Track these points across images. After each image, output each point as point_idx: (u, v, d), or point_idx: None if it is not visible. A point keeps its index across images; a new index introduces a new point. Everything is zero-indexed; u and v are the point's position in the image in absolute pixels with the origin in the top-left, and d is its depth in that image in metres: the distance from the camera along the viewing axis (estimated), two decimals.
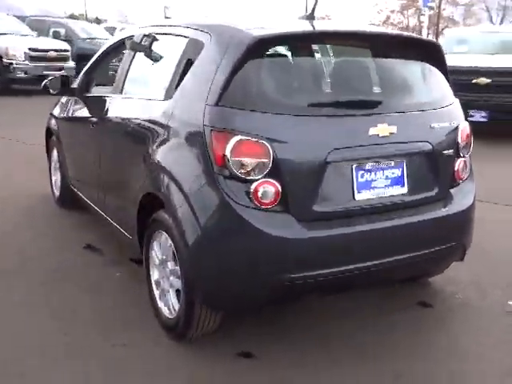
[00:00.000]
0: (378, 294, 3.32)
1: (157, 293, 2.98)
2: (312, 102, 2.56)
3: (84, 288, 3.42)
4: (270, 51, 2.59)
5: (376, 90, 2.81)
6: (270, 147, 2.42)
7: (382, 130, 2.63)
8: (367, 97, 2.71)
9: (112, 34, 16.71)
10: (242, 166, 2.42)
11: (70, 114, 4.40)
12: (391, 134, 2.65)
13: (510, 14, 58.62)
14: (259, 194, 2.43)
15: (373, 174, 2.67)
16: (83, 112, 4.12)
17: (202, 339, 2.81)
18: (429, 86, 2.98)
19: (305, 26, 2.76)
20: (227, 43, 2.58)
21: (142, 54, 3.31)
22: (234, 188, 2.44)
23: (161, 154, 2.77)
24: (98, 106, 3.81)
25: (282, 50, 2.66)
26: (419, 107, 2.82)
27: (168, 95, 2.89)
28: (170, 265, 2.80)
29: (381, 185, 2.69)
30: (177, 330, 2.75)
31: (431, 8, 28.16)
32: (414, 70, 2.94)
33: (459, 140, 2.94)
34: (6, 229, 4.41)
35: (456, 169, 2.96)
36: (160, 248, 2.90)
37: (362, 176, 2.64)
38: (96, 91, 4.39)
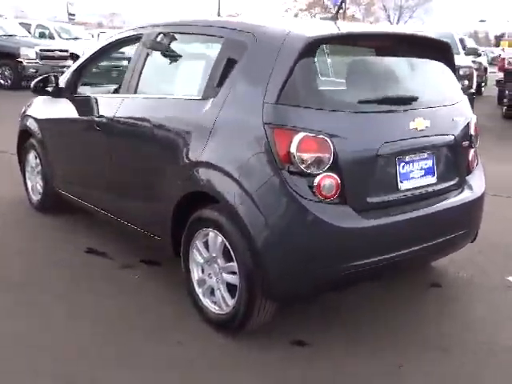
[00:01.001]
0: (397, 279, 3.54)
1: (199, 291, 3.01)
2: (362, 99, 2.71)
3: (108, 294, 3.33)
4: (322, 51, 2.70)
5: (411, 86, 3.01)
6: (330, 142, 2.55)
7: (419, 123, 2.84)
8: (406, 93, 2.90)
9: (29, 31, 15.96)
10: (307, 161, 2.53)
11: (59, 115, 4.24)
12: (426, 127, 2.87)
13: (405, 13, 61.98)
14: (322, 188, 2.55)
15: (411, 165, 2.87)
16: (80, 113, 4.00)
17: (252, 331, 2.88)
18: (446, 82, 3.22)
19: (349, 27, 2.90)
20: (279, 44, 2.66)
21: (163, 52, 3.30)
22: (299, 183, 2.54)
23: (210, 153, 2.80)
24: (103, 106, 3.74)
25: (332, 49, 2.77)
26: (443, 102, 3.07)
27: (207, 94, 2.92)
28: (221, 262, 2.84)
29: (417, 175, 2.90)
30: (233, 323, 2.80)
31: (340, 7, 29.22)
32: (434, 68, 3.17)
33: (472, 132, 3.21)
34: None
35: (470, 159, 3.24)
36: (205, 246, 2.93)
37: (403, 167, 2.83)
38: (86, 91, 4.29)
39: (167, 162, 3.09)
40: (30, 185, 4.88)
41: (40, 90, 4.23)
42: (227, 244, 2.76)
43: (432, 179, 2.98)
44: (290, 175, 2.54)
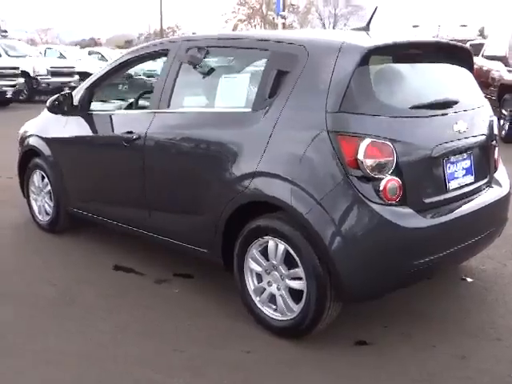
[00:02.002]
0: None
1: (257, 300, 3.05)
2: (415, 105, 2.85)
3: (154, 309, 3.33)
4: (376, 60, 2.82)
5: (449, 90, 3.18)
6: (392, 147, 2.67)
7: (461, 126, 3.01)
8: (448, 97, 3.06)
9: None
10: (373, 166, 2.64)
11: (74, 133, 4.17)
12: (466, 129, 3.04)
13: (340, 21, 63.69)
14: (387, 191, 2.66)
15: (455, 165, 3.04)
16: (100, 130, 3.97)
17: (315, 334, 2.95)
18: (471, 86, 3.41)
19: (395, 37, 3.03)
20: (335, 55, 2.76)
21: (200, 66, 3.32)
22: (366, 187, 2.65)
23: (270, 162, 2.86)
24: (129, 122, 3.72)
25: (382, 58, 2.90)
26: (474, 105, 3.26)
27: (258, 106, 2.98)
28: (283, 269, 2.90)
29: (460, 175, 3.07)
30: (299, 328, 2.86)
31: (283, 17, 29.84)
32: (462, 73, 3.35)
33: (496, 131, 3.42)
34: (19, 267, 4.05)
35: (496, 157, 3.45)
36: (263, 255, 2.98)
37: (449, 168, 2.99)
38: (101, 107, 4.25)
39: (216, 174, 3.12)
40: (35, 206, 4.76)
41: (56, 109, 4.15)
42: (291, 251, 2.83)
43: (471, 178, 3.16)
44: (357, 180, 2.64)
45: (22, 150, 4.79)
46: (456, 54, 3.36)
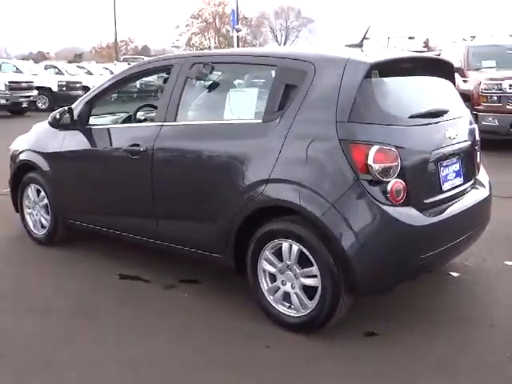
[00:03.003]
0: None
1: (271, 299, 3.25)
2: (413, 114, 3.14)
3: (169, 314, 3.47)
4: (380, 73, 3.09)
5: (439, 101, 3.49)
6: (397, 153, 2.94)
7: (451, 133, 3.32)
8: (440, 107, 3.37)
9: None
10: (381, 170, 2.90)
11: (74, 147, 4.27)
12: (455, 136, 3.36)
13: (292, 34, 64.79)
14: (394, 192, 2.93)
15: (447, 168, 3.34)
16: (102, 143, 4.09)
17: (327, 328, 3.17)
18: (454, 96, 3.74)
19: (396, 53, 3.32)
20: (341, 69, 3.02)
21: (206, 81, 3.52)
22: (375, 190, 2.91)
23: (283, 169, 3.07)
24: (135, 134, 3.86)
25: (386, 72, 3.17)
26: (459, 114, 3.58)
27: (269, 117, 3.20)
28: (297, 268, 3.11)
29: (451, 177, 3.38)
30: (314, 323, 3.08)
31: (238, 30, 30.38)
32: (446, 84, 3.67)
33: (477, 137, 3.76)
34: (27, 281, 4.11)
35: (478, 160, 3.77)
36: (276, 256, 3.18)
37: (443, 171, 3.29)
38: (98, 121, 4.38)
39: (229, 182, 3.31)
40: (30, 220, 4.81)
41: (58, 123, 4.26)
42: (305, 251, 3.04)
43: (460, 180, 3.47)
44: (367, 184, 2.90)
45: (14, 165, 4.85)
46: (441, 67, 3.68)
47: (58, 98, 19.04)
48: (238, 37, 41.14)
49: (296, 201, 3.02)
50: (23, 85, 16.59)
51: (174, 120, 3.66)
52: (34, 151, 4.62)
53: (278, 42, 62.22)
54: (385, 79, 3.16)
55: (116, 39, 35.98)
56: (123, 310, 3.53)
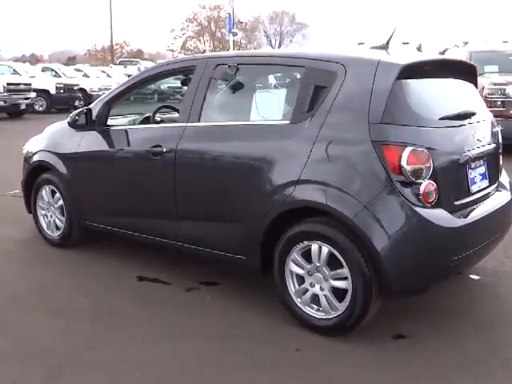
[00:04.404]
0: None
1: (299, 301, 3.23)
2: (443, 116, 3.14)
3: (197, 316, 3.44)
4: (409, 75, 3.08)
5: (467, 103, 3.50)
6: (429, 154, 2.94)
7: (479, 135, 3.33)
8: (468, 109, 3.37)
9: None
10: (414, 172, 2.89)
11: (93, 148, 4.23)
12: (483, 138, 3.36)
13: (286, 39, 64.96)
14: (426, 194, 2.92)
15: (475, 171, 3.34)
16: (123, 144, 4.06)
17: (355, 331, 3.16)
18: (479, 99, 3.75)
19: (423, 55, 3.31)
20: (373, 71, 3.01)
21: (231, 82, 3.50)
22: (408, 191, 2.90)
23: (314, 171, 3.06)
24: (158, 135, 3.84)
25: (416, 74, 3.16)
26: (486, 116, 3.58)
27: (297, 119, 3.19)
28: (326, 270, 3.09)
29: (478, 179, 3.37)
30: (345, 325, 3.06)
31: (234, 34, 30.47)
32: (471, 87, 3.68)
33: (500, 140, 3.77)
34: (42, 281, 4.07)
35: (501, 163, 3.78)
36: (304, 257, 3.16)
37: (471, 173, 3.29)
38: (115, 123, 4.35)
39: (256, 183, 3.28)
40: (43, 222, 4.77)
41: (78, 124, 4.23)
42: (336, 253, 3.03)
43: (486, 182, 3.47)
44: (400, 185, 2.89)
45: (28, 166, 4.80)
46: (465, 69, 3.68)
47: (56, 101, 19.01)
48: (233, 41, 41.42)
49: (327, 202, 3.01)
50: (21, 87, 16.48)
51: (198, 121, 3.64)
52: (50, 152, 4.58)
53: (272, 46, 62.39)
54: (415, 81, 3.15)
55: (112, 42, 35.91)
56: (148, 311, 3.50)
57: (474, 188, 3.30)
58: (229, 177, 3.45)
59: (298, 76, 3.32)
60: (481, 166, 3.42)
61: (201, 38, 47.35)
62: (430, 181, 2.94)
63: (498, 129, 3.78)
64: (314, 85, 3.19)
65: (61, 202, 4.58)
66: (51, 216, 4.70)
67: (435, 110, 3.18)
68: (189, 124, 3.67)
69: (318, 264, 3.13)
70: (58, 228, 4.67)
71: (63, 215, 4.59)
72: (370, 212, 2.90)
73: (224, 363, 2.91)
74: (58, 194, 4.59)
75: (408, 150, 2.89)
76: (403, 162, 2.88)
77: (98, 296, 3.74)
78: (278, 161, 3.22)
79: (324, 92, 3.15)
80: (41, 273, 4.18)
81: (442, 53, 15.62)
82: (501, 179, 3.77)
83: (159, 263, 4.27)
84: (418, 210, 2.89)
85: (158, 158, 3.75)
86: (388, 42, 3.59)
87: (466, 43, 19.67)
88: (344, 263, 3.01)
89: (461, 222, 3.06)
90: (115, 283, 3.97)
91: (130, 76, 4.45)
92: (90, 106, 4.34)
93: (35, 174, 4.75)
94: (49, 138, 4.72)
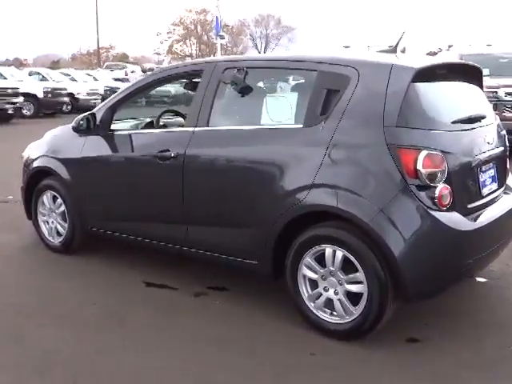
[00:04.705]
0: None
1: (312, 306, 3.21)
2: (455, 119, 3.15)
3: (209, 321, 3.41)
4: (422, 79, 3.08)
5: (476, 106, 3.51)
6: (444, 158, 2.94)
7: (489, 138, 3.34)
8: (478, 112, 3.39)
9: None
10: (430, 175, 2.90)
11: (97, 153, 4.18)
12: (493, 141, 3.38)
13: (272, 42, 65.05)
14: (441, 198, 2.92)
15: (485, 174, 3.35)
16: (128, 149, 4.01)
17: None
18: (486, 102, 3.76)
19: (434, 59, 3.32)
20: (387, 75, 3.01)
21: (241, 85, 3.47)
22: (423, 195, 2.90)
23: (329, 174, 3.05)
24: (164, 140, 3.81)
25: (428, 77, 3.16)
26: (493, 119, 3.60)
27: (310, 122, 3.18)
28: (341, 274, 3.08)
29: (488, 182, 3.39)
30: (360, 329, 3.05)
31: (222, 37, 30.44)
32: (477, 90, 3.69)
33: (508, 143, 3.79)
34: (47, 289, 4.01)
35: (508, 166, 3.80)
36: (318, 262, 3.15)
37: (482, 176, 3.30)
38: (119, 127, 4.30)
39: (268, 187, 3.26)
40: (44, 228, 4.70)
41: (82, 129, 4.18)
42: (350, 257, 3.02)
43: (496, 185, 3.48)
44: (415, 188, 2.89)
45: (28, 172, 4.74)
46: (471, 72, 3.70)
47: (44, 105, 18.80)
48: (221, 44, 41.44)
49: (342, 206, 3.00)
50: (9, 91, 16.29)
51: (207, 125, 3.61)
52: (51, 157, 4.52)
53: (258, 49, 62.45)
54: (428, 84, 3.15)
55: (98, 46, 35.73)
56: (158, 318, 3.46)
57: (484, 191, 3.31)
58: (240, 181, 3.43)
59: (310, 80, 3.31)
60: (490, 168, 3.43)
61: (187, 41, 47.31)
62: (444, 184, 2.95)
63: (505, 132, 3.80)
64: (326, 88, 3.18)
65: (62, 208, 4.52)
66: (52, 222, 4.63)
67: (448, 113, 3.19)
68: (197, 128, 3.64)
69: (332, 268, 3.11)
70: (59, 234, 4.60)
71: (65, 221, 4.52)
72: (385, 216, 2.89)
73: (239, 368, 2.89)
74: (59, 200, 4.52)
75: (424, 153, 2.89)
76: (419, 166, 2.88)
77: (107, 303, 3.68)
78: (291, 165, 3.20)
79: (337, 96, 3.14)
80: (44, 280, 4.10)
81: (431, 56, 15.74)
82: (508, 182, 3.79)
83: (164, 268, 4.23)
84: (433, 213, 2.89)
85: (165, 162, 3.71)
86: (396, 46, 3.60)
87: (451, 46, 19.82)
88: (359, 267, 3.00)
89: (475, 224, 3.07)
90: (123, 290, 3.91)
91: (117, 79, 4.38)
92: (94, 110, 4.29)
93: (36, 180, 4.68)
94: (50, 143, 4.66)
